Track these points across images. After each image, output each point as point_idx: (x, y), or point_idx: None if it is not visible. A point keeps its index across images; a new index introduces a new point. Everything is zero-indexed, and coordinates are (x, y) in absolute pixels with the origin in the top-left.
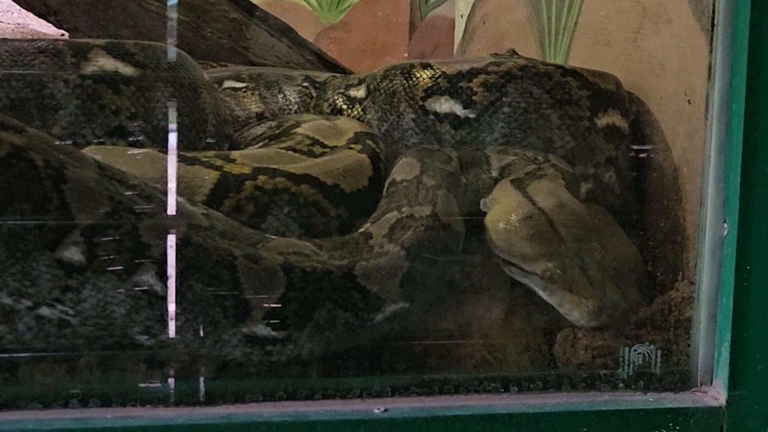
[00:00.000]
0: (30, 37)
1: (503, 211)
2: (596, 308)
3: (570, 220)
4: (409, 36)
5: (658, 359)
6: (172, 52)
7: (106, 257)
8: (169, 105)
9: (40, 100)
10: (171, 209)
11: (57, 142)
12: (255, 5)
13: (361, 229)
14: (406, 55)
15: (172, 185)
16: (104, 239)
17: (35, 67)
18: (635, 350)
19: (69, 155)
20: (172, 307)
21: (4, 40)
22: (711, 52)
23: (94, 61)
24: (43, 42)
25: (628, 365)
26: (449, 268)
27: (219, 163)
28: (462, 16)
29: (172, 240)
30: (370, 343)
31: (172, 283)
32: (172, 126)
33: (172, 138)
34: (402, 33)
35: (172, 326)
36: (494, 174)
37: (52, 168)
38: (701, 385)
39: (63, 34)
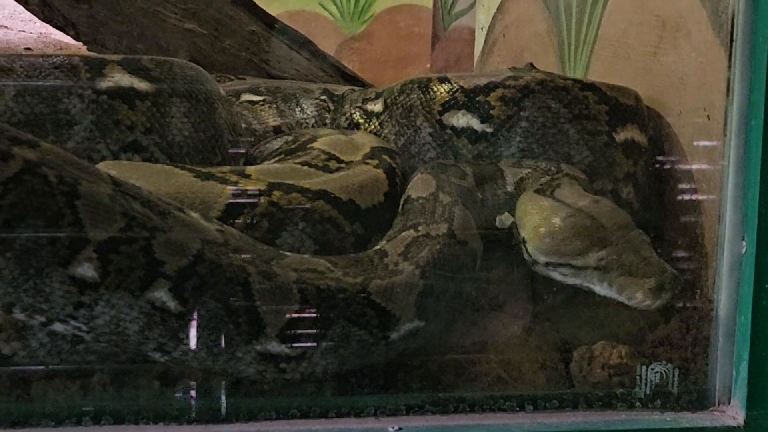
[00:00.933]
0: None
1: (540, 217)
2: (658, 285)
3: (608, 212)
4: (432, 46)
5: (676, 378)
6: (188, 66)
7: (120, 273)
8: (184, 120)
9: (55, 115)
10: (185, 225)
11: (71, 157)
12: (274, 18)
13: (377, 247)
14: (428, 65)
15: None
16: (117, 255)
17: (50, 82)
18: (652, 369)
19: (83, 170)
20: (186, 324)
21: (20, 55)
22: (730, 67)
23: (110, 76)
24: (58, 57)
25: (646, 384)
26: (466, 286)
27: (234, 178)
28: (482, 28)
29: (185, 257)
30: (385, 361)
31: (185, 300)
32: (188, 141)
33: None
34: (424, 44)
35: (185, 343)
36: (509, 188)
37: (65, 184)
38: (719, 404)
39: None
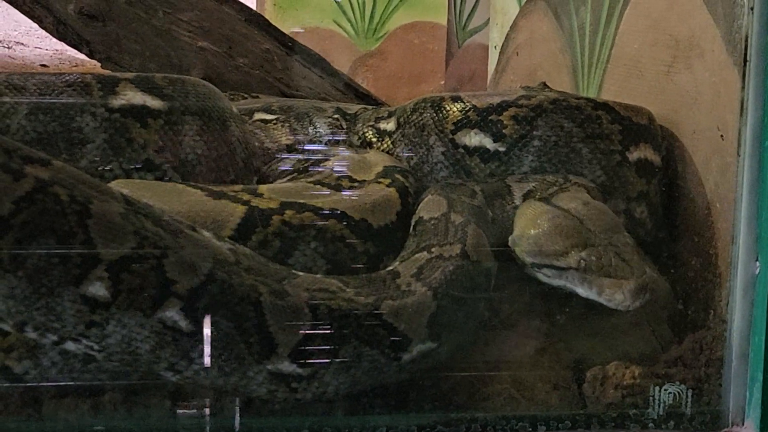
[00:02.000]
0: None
1: (530, 219)
2: (638, 286)
3: (596, 214)
4: (446, 63)
5: (689, 399)
6: (200, 84)
7: (131, 293)
8: (197, 138)
9: (68, 133)
10: (197, 245)
11: (83, 175)
12: (287, 36)
13: (390, 268)
14: (442, 83)
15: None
16: (129, 275)
17: (63, 100)
18: (666, 389)
19: (95, 189)
20: (197, 344)
21: (33, 73)
22: (743, 87)
23: (123, 94)
24: (71, 75)
25: (659, 405)
26: (479, 306)
27: (246, 197)
28: (495, 47)
29: (197, 276)
30: (397, 381)
31: (197, 320)
32: (200, 159)
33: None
34: (439, 61)
35: (197, 362)
36: (517, 203)
37: (77, 203)
38: (733, 425)
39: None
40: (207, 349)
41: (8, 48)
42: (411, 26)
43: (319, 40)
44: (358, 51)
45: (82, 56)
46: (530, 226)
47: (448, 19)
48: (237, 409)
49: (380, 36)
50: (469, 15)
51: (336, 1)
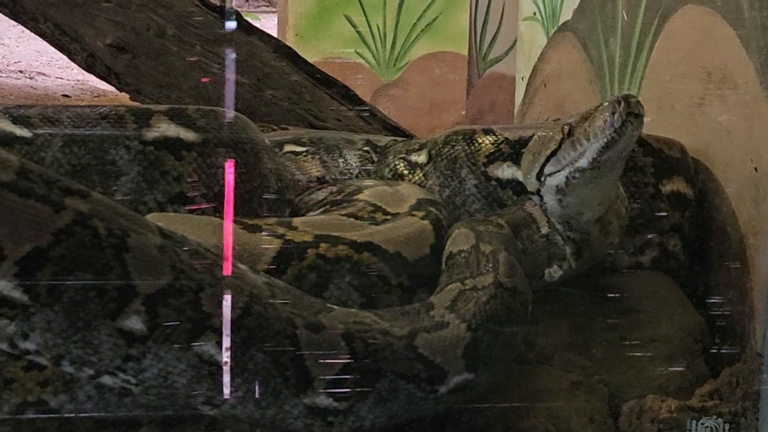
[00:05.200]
0: (89, 93)
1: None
2: (614, 100)
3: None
4: (467, 93)
5: None
6: (234, 116)
7: (168, 326)
8: (231, 171)
9: (102, 166)
10: (233, 278)
11: (121, 208)
12: (316, 68)
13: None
14: (463, 112)
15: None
16: (165, 308)
17: (97, 132)
18: (702, 423)
19: (132, 222)
20: (234, 377)
21: (66, 106)
22: None
23: (156, 126)
24: (105, 108)
25: None
26: (517, 334)
27: (281, 230)
28: (523, 78)
29: (233, 309)
30: (434, 414)
31: (233, 353)
32: (234, 192)
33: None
34: (459, 90)
35: (234, 396)
36: (543, 230)
37: (114, 236)
38: None
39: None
40: (243, 383)
41: (30, 78)
42: (432, 56)
43: (341, 69)
44: (380, 81)
45: (104, 86)
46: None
47: (469, 48)
48: None
49: (401, 66)
50: (490, 45)
51: (357, 32)
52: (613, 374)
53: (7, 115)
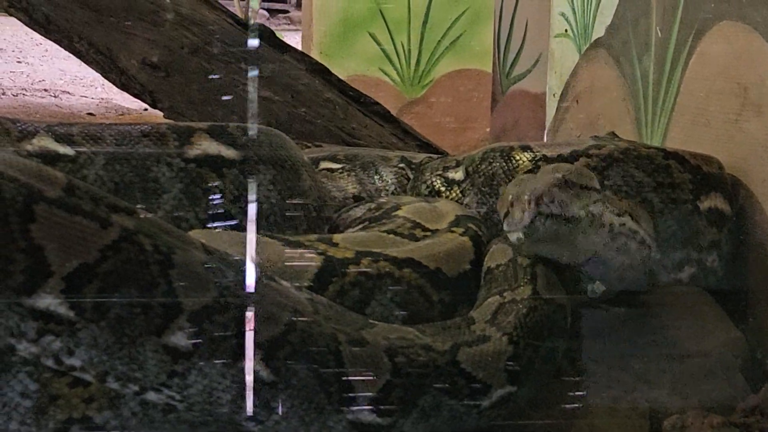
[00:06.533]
0: (113, 111)
1: None
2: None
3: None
4: (491, 110)
5: None
6: (273, 133)
7: (212, 343)
8: (271, 187)
9: (144, 183)
10: (276, 295)
11: (166, 225)
12: (349, 85)
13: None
14: (487, 129)
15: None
16: (210, 325)
17: (139, 150)
18: None
19: (177, 238)
20: (278, 393)
21: (109, 125)
22: None
23: (198, 144)
24: (146, 126)
25: None
26: (558, 344)
27: (322, 247)
28: (554, 94)
29: (277, 326)
30: (477, 428)
31: (278, 369)
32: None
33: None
34: (484, 108)
35: (278, 412)
36: None
37: (160, 253)
38: None
39: (146, 109)
40: (288, 399)
41: (55, 97)
42: (456, 74)
43: (365, 87)
44: (404, 98)
45: (129, 104)
46: None
47: (492, 66)
48: None
49: (426, 83)
50: (513, 62)
51: (382, 49)
52: (654, 390)
53: (50, 134)
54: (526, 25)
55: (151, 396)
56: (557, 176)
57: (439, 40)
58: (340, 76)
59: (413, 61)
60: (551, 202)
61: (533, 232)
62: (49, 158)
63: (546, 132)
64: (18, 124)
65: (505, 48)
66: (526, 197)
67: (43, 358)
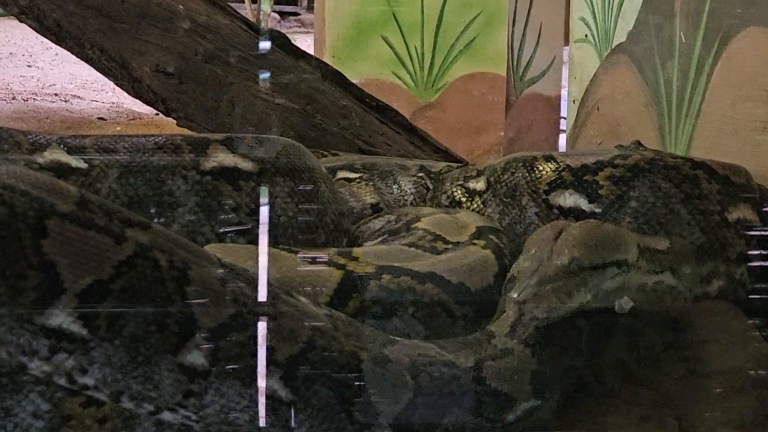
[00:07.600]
0: (124, 116)
1: None
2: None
3: None
4: (505, 114)
5: None
6: (290, 145)
7: (230, 361)
8: (288, 200)
9: (159, 197)
10: (295, 311)
11: (181, 240)
12: (364, 91)
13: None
14: (501, 133)
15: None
16: (228, 343)
17: (154, 163)
18: None
19: (193, 254)
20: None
21: (122, 136)
22: None
23: (213, 156)
24: (161, 137)
25: None
26: (578, 352)
27: (342, 261)
28: (574, 101)
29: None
30: None
31: (297, 388)
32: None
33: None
34: (498, 111)
35: None
36: None
37: (176, 269)
38: None
39: (157, 114)
40: (307, 419)
41: (65, 101)
42: (470, 77)
43: (379, 91)
44: (418, 102)
45: (139, 109)
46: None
47: (506, 69)
48: None
49: (440, 87)
50: (527, 65)
51: (395, 53)
52: (682, 407)
53: (62, 146)
54: (540, 28)
55: (167, 416)
56: (562, 262)
57: (453, 44)
58: (353, 80)
59: (427, 65)
60: (536, 308)
61: (527, 327)
62: (62, 171)
63: (566, 138)
64: (29, 137)
65: (519, 51)
66: (514, 297)
67: (56, 376)
